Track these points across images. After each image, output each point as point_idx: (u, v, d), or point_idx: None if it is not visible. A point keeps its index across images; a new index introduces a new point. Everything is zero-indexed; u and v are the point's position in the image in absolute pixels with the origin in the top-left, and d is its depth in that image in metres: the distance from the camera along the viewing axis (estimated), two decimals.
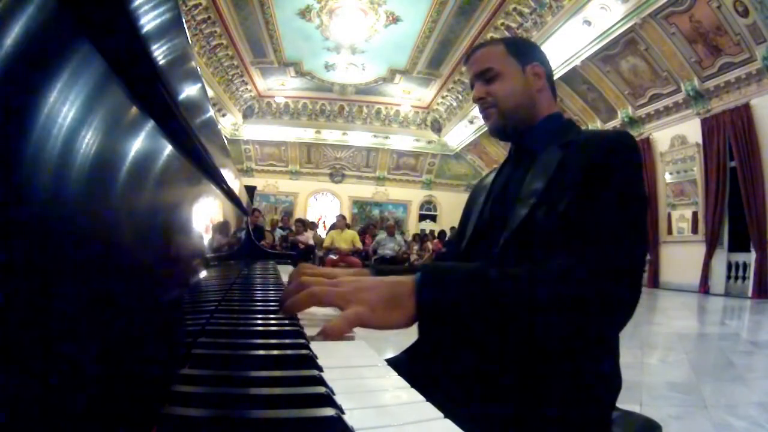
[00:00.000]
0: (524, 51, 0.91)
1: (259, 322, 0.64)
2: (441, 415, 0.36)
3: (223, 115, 13.07)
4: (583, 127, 0.93)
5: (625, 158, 0.73)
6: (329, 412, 0.33)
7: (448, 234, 10.71)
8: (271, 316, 0.67)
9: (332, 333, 0.55)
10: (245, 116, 14.48)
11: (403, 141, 15.35)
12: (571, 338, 0.65)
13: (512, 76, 0.88)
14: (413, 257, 9.60)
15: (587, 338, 0.67)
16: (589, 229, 0.68)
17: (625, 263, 0.67)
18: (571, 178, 0.73)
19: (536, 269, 0.65)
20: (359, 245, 8.65)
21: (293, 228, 9.21)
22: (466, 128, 13.45)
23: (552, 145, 0.82)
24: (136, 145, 0.35)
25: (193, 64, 0.49)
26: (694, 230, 8.04)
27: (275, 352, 0.48)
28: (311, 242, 8.64)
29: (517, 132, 0.89)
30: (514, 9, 8.65)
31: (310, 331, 0.57)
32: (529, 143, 0.89)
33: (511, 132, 0.90)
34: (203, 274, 0.63)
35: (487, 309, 0.60)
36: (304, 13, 9.92)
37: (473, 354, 0.70)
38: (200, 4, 8.96)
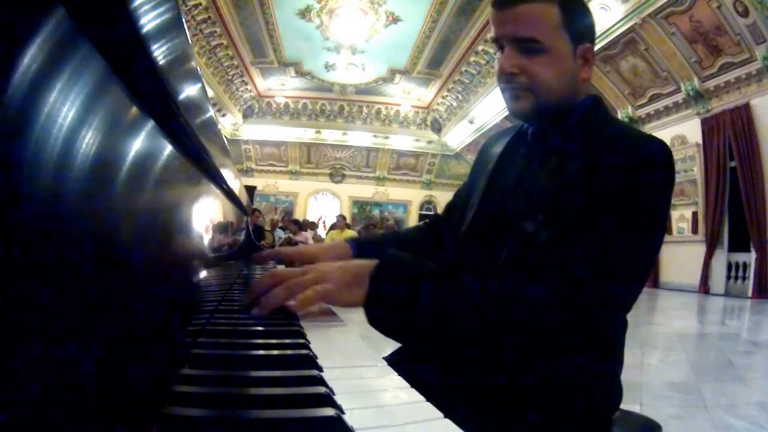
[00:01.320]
0: (581, 25, 0.72)
1: (259, 322, 0.64)
2: (441, 415, 0.36)
3: (223, 115, 13.07)
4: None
5: (650, 179, 0.63)
6: (329, 412, 0.33)
7: None
8: (271, 316, 0.67)
9: (303, 304, 0.59)
10: (245, 116, 14.49)
11: (403, 141, 15.35)
12: (520, 360, 0.62)
13: (561, 57, 0.70)
14: None
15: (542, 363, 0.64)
16: (587, 255, 0.61)
17: (613, 302, 0.63)
18: (586, 192, 0.64)
19: (508, 287, 0.61)
20: None
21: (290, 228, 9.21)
22: (466, 128, 13.45)
23: (574, 143, 0.70)
24: (136, 145, 0.35)
25: (193, 64, 0.49)
26: (694, 230, 8.05)
27: (275, 352, 0.48)
28: (311, 242, 8.63)
29: (544, 120, 0.75)
30: None
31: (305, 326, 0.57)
32: (553, 135, 0.75)
33: (537, 120, 0.76)
34: (203, 274, 0.63)
35: (430, 318, 0.60)
36: (304, 13, 9.93)
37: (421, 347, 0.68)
38: (200, 4, 8.96)
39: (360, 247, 0.91)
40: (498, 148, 0.85)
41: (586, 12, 0.75)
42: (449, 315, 0.60)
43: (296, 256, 0.91)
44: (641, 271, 0.66)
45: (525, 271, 0.67)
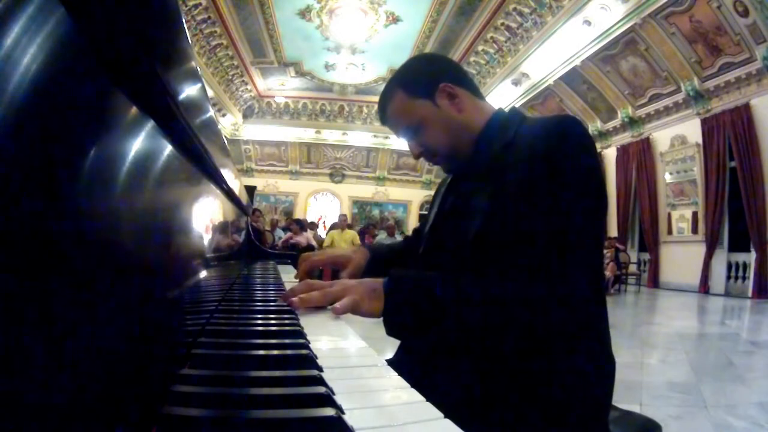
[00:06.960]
0: (421, 82, 0.82)
1: (259, 322, 0.64)
2: (441, 415, 0.36)
3: (223, 115, 13.06)
4: (560, 120, 0.76)
5: (570, 151, 0.68)
6: (329, 412, 0.33)
7: None
8: (271, 316, 0.67)
9: (340, 311, 0.66)
10: (245, 116, 14.48)
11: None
12: (509, 345, 0.67)
13: (430, 118, 0.81)
14: None
15: (530, 348, 0.68)
16: (530, 243, 0.66)
17: (566, 286, 0.65)
18: (515, 184, 0.69)
19: (478, 287, 0.67)
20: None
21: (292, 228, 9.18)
22: None
23: (495, 149, 0.76)
24: (136, 145, 0.35)
25: (193, 64, 0.49)
26: (694, 230, 8.05)
27: (275, 352, 0.48)
28: (313, 242, 8.62)
29: (468, 155, 0.83)
30: (514, 9, 8.65)
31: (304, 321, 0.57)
32: (477, 157, 0.82)
33: (463, 162, 0.84)
34: (203, 274, 0.63)
35: (429, 316, 0.68)
36: (304, 13, 9.92)
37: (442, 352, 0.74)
38: (200, 4, 8.95)
39: (373, 255, 1.06)
40: (450, 179, 0.98)
41: (418, 68, 0.87)
42: (453, 311, 0.67)
43: (329, 262, 1.06)
44: (590, 238, 0.69)
45: (479, 261, 0.73)
